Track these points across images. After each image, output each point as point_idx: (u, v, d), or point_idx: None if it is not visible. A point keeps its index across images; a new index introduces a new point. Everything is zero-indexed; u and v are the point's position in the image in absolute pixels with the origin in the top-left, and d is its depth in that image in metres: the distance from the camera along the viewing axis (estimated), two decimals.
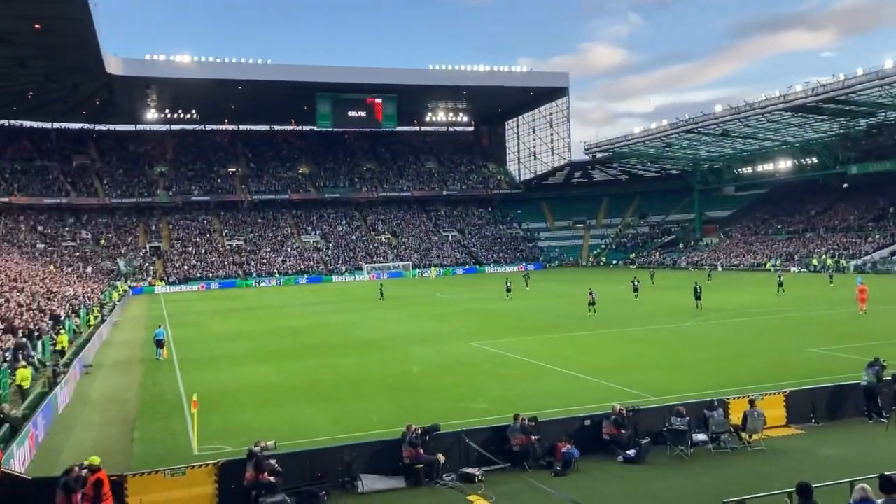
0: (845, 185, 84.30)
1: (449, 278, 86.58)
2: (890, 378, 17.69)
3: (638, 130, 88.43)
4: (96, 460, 12.17)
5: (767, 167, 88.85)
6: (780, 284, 48.42)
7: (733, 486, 12.74)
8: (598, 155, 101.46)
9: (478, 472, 13.93)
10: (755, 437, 15.56)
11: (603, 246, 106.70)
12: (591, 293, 41.85)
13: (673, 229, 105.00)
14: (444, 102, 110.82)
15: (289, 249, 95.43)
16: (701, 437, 15.26)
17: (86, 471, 12.14)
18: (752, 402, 15.96)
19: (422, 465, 13.93)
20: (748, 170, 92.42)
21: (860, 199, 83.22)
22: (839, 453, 14.92)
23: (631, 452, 14.79)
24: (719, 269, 78.27)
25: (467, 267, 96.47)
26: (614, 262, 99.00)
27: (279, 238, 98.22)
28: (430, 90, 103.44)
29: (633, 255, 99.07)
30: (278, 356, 29.87)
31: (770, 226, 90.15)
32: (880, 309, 37.37)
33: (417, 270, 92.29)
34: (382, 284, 63.25)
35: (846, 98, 62.91)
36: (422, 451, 14.03)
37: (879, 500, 8.21)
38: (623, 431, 15.20)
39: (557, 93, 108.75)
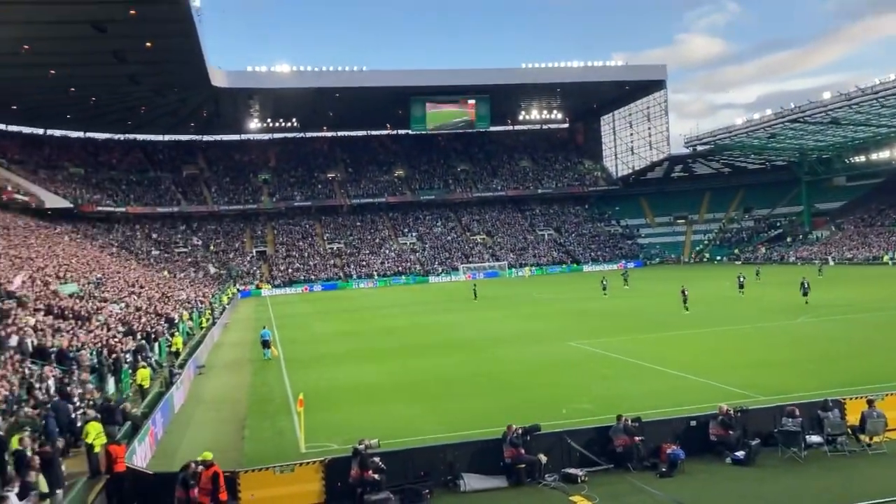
0: None
1: (545, 277, 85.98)
2: None
3: (740, 122, 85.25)
4: (209, 455, 12.76)
5: (883, 155, 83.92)
6: None
7: (852, 491, 12.17)
8: (699, 148, 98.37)
9: (581, 473, 13.80)
10: (876, 439, 14.77)
11: (706, 242, 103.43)
12: (683, 291, 40.76)
13: (780, 223, 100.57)
14: (537, 100, 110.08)
15: (386, 251, 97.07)
16: (815, 438, 14.61)
17: (200, 466, 12.76)
18: (870, 403, 15.16)
19: (523, 465, 13.92)
20: (861, 158, 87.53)
21: None
22: None
23: (740, 454, 14.32)
24: (830, 263, 74.51)
25: (565, 266, 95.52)
26: (718, 258, 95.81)
27: (377, 240, 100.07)
28: (524, 89, 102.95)
29: (737, 251, 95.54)
30: (379, 356, 30.45)
31: (887, 216, 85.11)
32: None
33: (513, 270, 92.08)
34: (476, 285, 63.37)
35: None
36: (523, 451, 14.02)
37: None
38: (731, 432, 14.73)
39: (654, 86, 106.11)
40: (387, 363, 28.52)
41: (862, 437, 14.73)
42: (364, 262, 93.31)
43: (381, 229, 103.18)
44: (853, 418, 15.04)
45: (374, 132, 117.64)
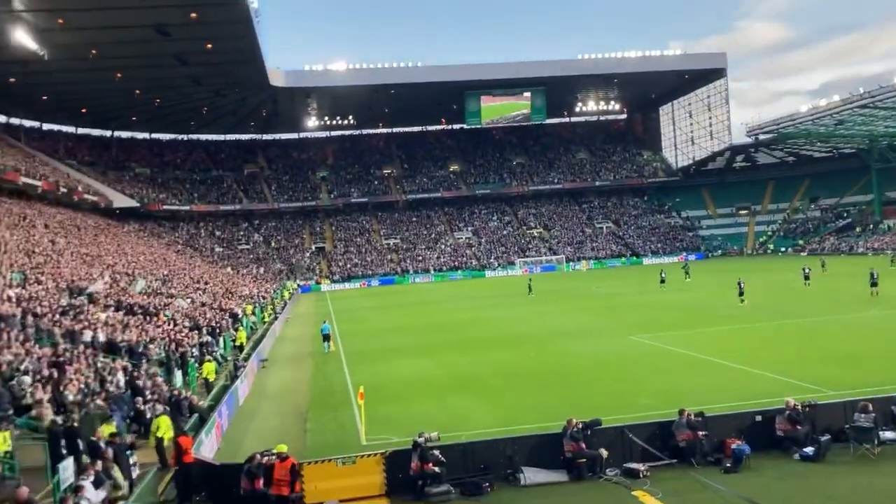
0: None
1: (603, 271, 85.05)
2: None
3: (805, 109, 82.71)
4: (284, 448, 13.04)
5: None
6: None
7: None
8: (761, 137, 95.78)
9: (643, 468, 13.64)
10: None
11: (769, 233, 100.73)
12: (739, 283, 39.98)
13: (848, 212, 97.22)
14: (594, 91, 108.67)
15: (442, 246, 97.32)
16: (889, 434, 14.15)
17: (266, 458, 13.06)
18: None
19: (584, 459, 13.83)
20: None
21: None
22: None
23: (809, 450, 13.94)
24: (891, 253, 71.66)
25: (624, 259, 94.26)
26: (782, 249, 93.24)
27: (433, 235, 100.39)
28: (580, 80, 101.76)
29: (802, 242, 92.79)
30: (437, 350, 30.58)
31: None
32: None
33: (571, 264, 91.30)
34: (531, 279, 63.01)
35: None
36: (584, 445, 13.92)
37: None
38: (799, 428, 14.35)
39: (714, 74, 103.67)
40: (445, 357, 28.63)
41: None
42: (420, 257, 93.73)
43: (436, 224, 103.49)
44: None
45: (429, 127, 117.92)
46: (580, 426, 14.18)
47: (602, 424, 14.52)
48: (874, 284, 38.99)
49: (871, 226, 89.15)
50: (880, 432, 14.04)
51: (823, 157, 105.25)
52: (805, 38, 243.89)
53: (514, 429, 16.29)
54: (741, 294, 39.29)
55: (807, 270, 47.85)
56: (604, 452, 13.85)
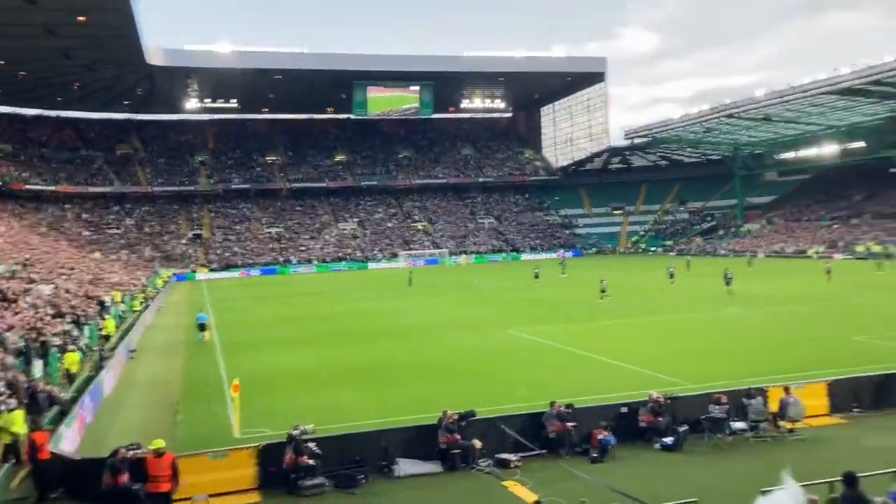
0: (893, 170, 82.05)
1: (484, 265, 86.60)
2: None
3: (677, 116, 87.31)
4: (161, 443, 12.49)
5: (811, 152, 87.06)
6: (828, 272, 47.31)
7: (769, 475, 12.60)
8: (637, 140, 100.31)
9: (514, 458, 14.01)
10: (796, 425, 15.40)
11: (641, 232, 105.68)
12: (601, 281, 41.85)
13: (713, 215, 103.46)
14: (480, 89, 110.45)
15: (326, 237, 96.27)
16: (739, 425, 15.13)
17: (132, 452, 12.53)
18: (787, 390, 15.80)
19: (458, 451, 14.06)
20: (791, 155, 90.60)
21: None
22: (884, 444, 14.65)
23: (668, 440, 14.74)
24: (760, 256, 76.89)
25: (504, 254, 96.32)
26: (653, 248, 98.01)
27: (317, 226, 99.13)
28: (467, 77, 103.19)
29: (671, 242, 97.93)
30: (317, 342, 30.25)
31: (813, 212, 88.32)
32: None
33: (453, 258, 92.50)
34: (412, 272, 63.36)
35: (895, 80, 61.28)
36: (458, 436, 14.16)
37: None
38: (660, 419, 15.14)
39: (595, 78, 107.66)
40: (325, 349, 28.35)
41: (782, 423, 15.34)
42: (303, 248, 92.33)
43: (321, 214, 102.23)
44: (775, 405, 15.63)
45: (315, 116, 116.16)
46: (455, 417, 14.42)
47: (476, 416, 14.81)
48: (728, 283, 41.70)
49: (734, 229, 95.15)
50: (732, 423, 15.03)
51: (693, 163, 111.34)
52: (680, 48, 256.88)
53: (392, 421, 16.36)
54: (603, 291, 40.95)
55: (671, 269, 50.51)
56: (477, 443, 14.14)
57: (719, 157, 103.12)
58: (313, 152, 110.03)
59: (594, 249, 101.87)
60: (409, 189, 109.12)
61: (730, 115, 79.07)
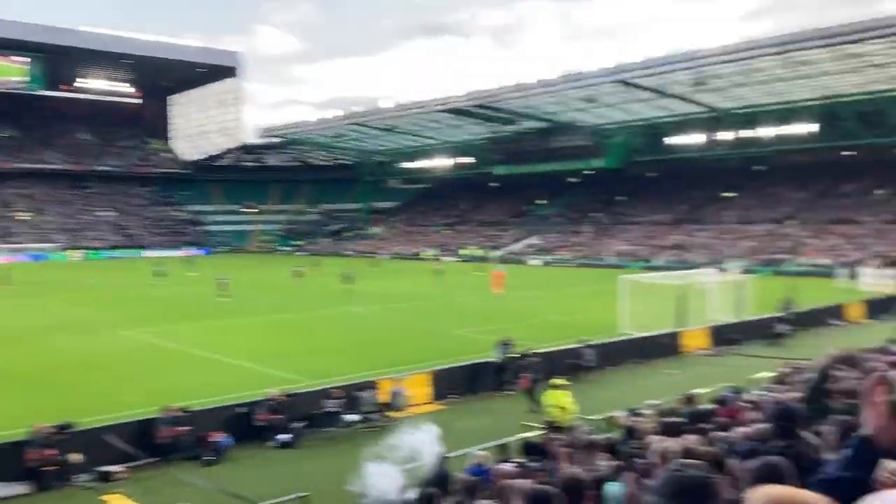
0: (493, 185, 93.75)
1: (102, 262, 79.43)
2: (517, 355, 20.10)
3: (313, 119, 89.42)
4: None
5: (429, 164, 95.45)
6: (439, 273, 52.42)
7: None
8: (272, 140, 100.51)
9: (119, 469, 12.98)
10: (402, 413, 16.63)
11: (274, 232, 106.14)
12: (219, 280, 41.51)
13: (342, 218, 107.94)
14: (103, 69, 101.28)
15: None
16: (352, 417, 15.89)
17: None
18: (396, 381, 17.06)
19: (52, 467, 12.58)
20: (412, 165, 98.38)
21: (505, 197, 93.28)
22: (473, 425, 16.52)
23: (285, 437, 14.90)
24: (385, 257, 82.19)
25: (126, 250, 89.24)
26: (284, 248, 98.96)
27: None
28: (86, 54, 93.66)
29: (302, 242, 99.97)
30: None
31: (428, 219, 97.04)
32: (516, 294, 42.33)
33: (66, 253, 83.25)
34: (11, 268, 55.56)
35: (495, 105, 69.98)
36: (54, 451, 12.66)
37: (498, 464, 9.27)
38: (278, 416, 15.24)
39: (230, 72, 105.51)
40: None
41: (390, 412, 16.47)
42: None
43: None
44: (384, 396, 16.73)
45: None
46: (50, 431, 12.89)
47: (77, 427, 13.44)
48: (349, 282, 44.54)
49: (360, 231, 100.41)
50: (344, 416, 15.73)
51: (325, 166, 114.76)
52: (314, 53, 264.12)
53: None
54: (222, 290, 40.43)
55: (300, 269, 51.66)
56: (76, 457, 12.80)
57: (349, 163, 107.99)
58: None
59: (225, 248, 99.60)
60: (11, 173, 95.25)
61: (359, 123, 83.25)
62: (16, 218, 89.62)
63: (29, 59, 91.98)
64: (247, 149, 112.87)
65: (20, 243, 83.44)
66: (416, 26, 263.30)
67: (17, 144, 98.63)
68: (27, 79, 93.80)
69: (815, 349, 20.67)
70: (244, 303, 38.61)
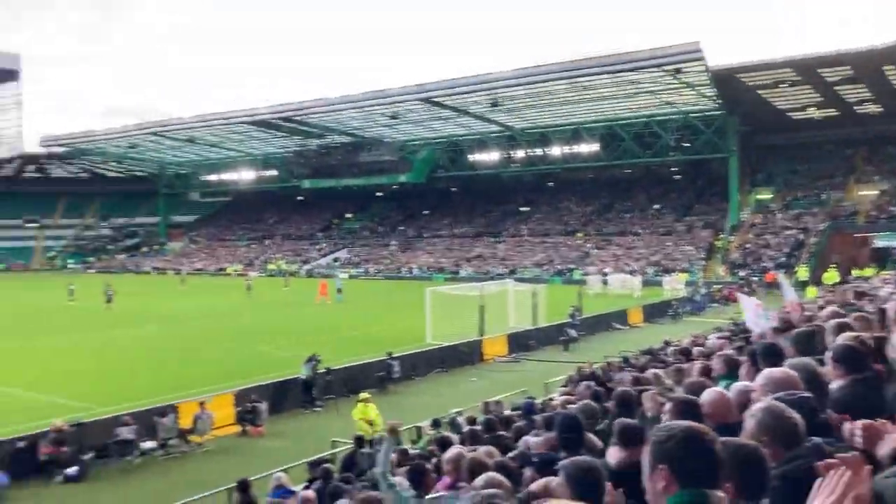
0: (300, 198, 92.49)
1: None
2: (324, 371, 20.11)
3: (102, 128, 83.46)
4: None
5: (232, 176, 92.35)
6: (249, 288, 50.76)
7: (178, 491, 12.92)
8: (56, 149, 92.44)
9: None
10: (205, 437, 16.08)
11: (60, 248, 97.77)
12: None
13: (137, 232, 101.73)
14: None
15: None
16: (149, 444, 15.15)
17: None
18: (202, 405, 16.47)
19: None
20: (214, 177, 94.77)
21: (312, 211, 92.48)
22: (280, 445, 16.34)
23: (72, 470, 13.93)
24: (184, 272, 78.29)
25: None
26: (71, 265, 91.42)
27: None
28: None
29: (93, 259, 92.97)
30: None
31: (233, 232, 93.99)
32: (325, 309, 42.21)
33: None
34: None
35: (301, 118, 69.25)
36: None
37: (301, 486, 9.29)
38: (64, 449, 14.18)
39: (8, 76, 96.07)
40: None
41: (192, 437, 15.86)
42: None
43: None
44: (186, 421, 16.08)
45: None
46: None
47: None
48: (110, 300, 43.13)
49: (158, 246, 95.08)
50: (141, 443, 14.95)
51: (117, 177, 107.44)
52: (95, 56, 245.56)
53: None
54: None
55: (71, 288, 48.07)
56: None
57: (145, 175, 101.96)
58: None
59: (2, 266, 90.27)
60: None
61: (156, 133, 78.94)
62: None
63: None
64: (28, 158, 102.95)
65: None
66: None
67: None
68: None
69: (601, 352, 22.60)
70: (23, 325, 35.34)
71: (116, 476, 14.24)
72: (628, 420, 4.58)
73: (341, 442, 14.44)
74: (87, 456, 14.22)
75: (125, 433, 14.67)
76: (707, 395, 3.97)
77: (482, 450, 6.12)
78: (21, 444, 14.08)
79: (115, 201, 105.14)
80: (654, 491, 2.26)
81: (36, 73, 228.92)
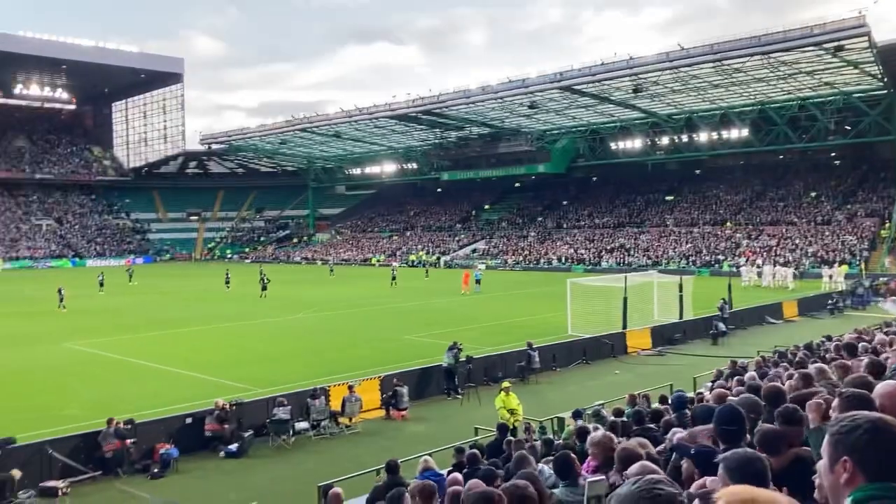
0: (439, 190, 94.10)
1: (40, 272, 77.05)
2: (465, 359, 20.32)
3: (254, 125, 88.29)
4: None
5: (375, 169, 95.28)
6: (394, 278, 51.88)
7: (330, 470, 13.49)
8: (214, 146, 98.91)
9: (62, 485, 12.72)
10: (353, 420, 16.69)
11: (218, 239, 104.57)
12: (59, 290, 40.52)
13: (288, 224, 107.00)
14: (39, 74, 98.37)
15: None
16: (303, 425, 15.87)
17: None
18: (350, 388, 17.07)
19: None
20: (358, 171, 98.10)
21: (450, 202, 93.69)
22: (424, 429, 16.70)
23: (233, 447, 14.80)
24: (331, 262, 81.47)
25: (66, 260, 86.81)
26: (229, 255, 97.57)
27: None
28: (23, 59, 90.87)
29: (248, 249, 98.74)
30: None
31: (376, 224, 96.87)
32: (465, 298, 42.67)
33: (5, 263, 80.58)
34: None
35: (440, 111, 70.27)
36: None
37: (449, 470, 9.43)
38: (226, 426, 15.13)
39: (171, 78, 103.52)
40: None
41: (342, 419, 16.50)
42: None
43: None
44: (336, 404, 16.74)
45: None
46: None
47: (16, 443, 13.13)
48: (265, 288, 44.94)
49: (306, 238, 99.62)
50: (295, 423, 15.70)
51: (269, 172, 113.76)
52: (244, 58, 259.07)
53: None
54: (61, 301, 39.70)
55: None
56: (17, 473, 12.51)
57: (294, 169, 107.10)
58: None
59: (168, 256, 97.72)
60: None
61: (304, 129, 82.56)
62: None
63: None
64: (190, 155, 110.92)
65: None
66: (346, 31, 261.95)
67: None
68: None
69: (754, 346, 21.50)
70: (190, 311, 38.05)
71: (273, 453, 15.03)
72: (768, 426, 4.33)
73: (483, 429, 14.54)
74: (247, 433, 15.09)
75: (281, 413, 15.45)
76: (882, 388, 3.64)
77: (634, 440, 5.95)
78: (189, 421, 15.15)
79: (268, 195, 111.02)
80: (835, 484, 2.12)
81: (192, 75, 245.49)
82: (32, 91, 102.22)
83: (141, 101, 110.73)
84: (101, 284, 50.70)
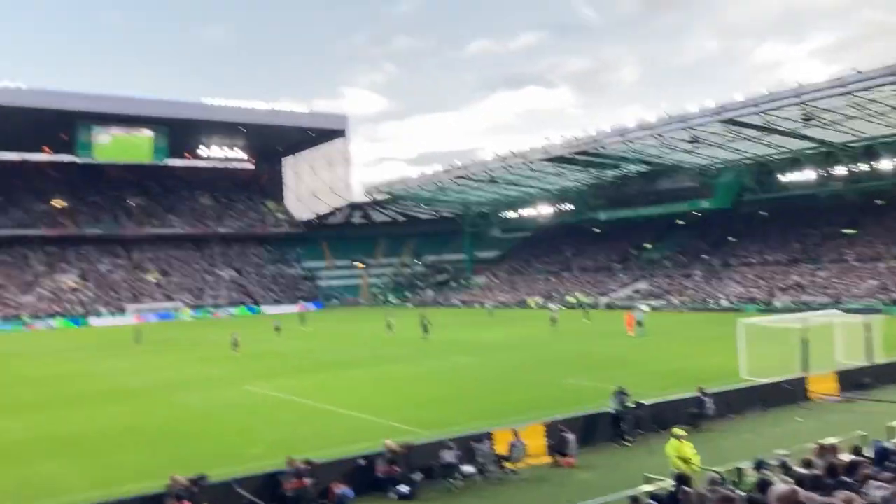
0: (596, 230, 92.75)
1: (223, 320, 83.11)
2: (633, 405, 19.67)
3: (414, 175, 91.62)
4: None
5: (530, 212, 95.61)
6: (554, 321, 51.39)
7: None
8: (377, 196, 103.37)
9: None
10: (518, 465, 16.57)
11: (381, 285, 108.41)
12: (233, 335, 43.37)
13: (446, 269, 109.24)
14: (219, 137, 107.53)
15: (40, 290, 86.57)
16: (469, 468, 15.93)
17: None
18: (515, 433, 16.99)
19: None
20: (513, 214, 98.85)
21: (608, 242, 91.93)
22: (593, 477, 16.28)
23: (404, 489, 15.08)
24: (488, 306, 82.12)
25: (244, 307, 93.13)
26: (393, 300, 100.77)
27: (29, 277, 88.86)
28: (207, 125, 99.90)
29: (409, 294, 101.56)
30: (24, 408, 26.92)
31: (532, 266, 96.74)
32: (628, 341, 41.49)
33: (191, 311, 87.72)
34: (140, 328, 58.96)
35: (596, 151, 69.73)
36: (188, 503, 13.33)
37: None
38: (396, 468, 15.48)
39: (336, 134, 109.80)
40: (34, 416, 25.29)
41: (507, 464, 16.42)
42: (12, 303, 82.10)
43: (33, 265, 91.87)
44: (501, 448, 16.70)
45: (29, 156, 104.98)
46: (186, 484, 13.58)
47: (209, 479, 14.08)
48: (426, 331, 46.41)
49: (464, 281, 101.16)
50: (462, 467, 15.80)
51: (428, 219, 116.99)
52: (401, 110, 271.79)
53: (112, 492, 14.95)
54: (235, 346, 42.30)
55: (389, 320, 52.41)
56: None
57: (451, 215, 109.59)
58: (28, 196, 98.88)
59: (335, 301, 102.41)
60: (140, 239, 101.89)
61: (460, 176, 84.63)
62: (145, 279, 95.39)
63: (152, 132, 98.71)
64: (354, 206, 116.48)
65: (149, 302, 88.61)
66: (498, 79, 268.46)
67: (146, 211, 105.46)
68: (149, 149, 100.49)
69: None
70: (353, 354, 39.52)
71: (443, 497, 15.16)
72: None
73: (654, 478, 13.96)
74: (417, 476, 15.35)
75: (448, 457, 15.62)
76: None
77: (840, 495, 5.52)
78: (362, 462, 15.64)
79: (426, 240, 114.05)
80: None
81: (353, 129, 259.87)
82: (214, 153, 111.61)
83: (309, 155, 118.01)
84: (278, 329, 53.74)
